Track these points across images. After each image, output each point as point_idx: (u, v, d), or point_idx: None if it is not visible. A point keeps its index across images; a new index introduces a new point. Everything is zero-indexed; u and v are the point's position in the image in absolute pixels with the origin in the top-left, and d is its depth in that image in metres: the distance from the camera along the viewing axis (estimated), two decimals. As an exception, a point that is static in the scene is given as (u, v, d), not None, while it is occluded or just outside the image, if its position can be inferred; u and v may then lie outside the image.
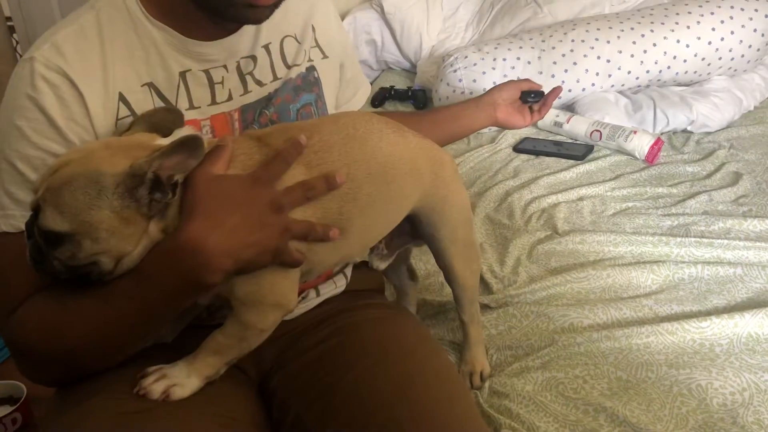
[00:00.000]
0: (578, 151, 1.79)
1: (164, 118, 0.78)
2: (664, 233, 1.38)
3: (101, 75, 0.80)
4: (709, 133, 1.87)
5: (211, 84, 0.87)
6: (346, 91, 1.06)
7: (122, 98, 0.82)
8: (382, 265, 0.97)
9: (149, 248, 0.72)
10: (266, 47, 0.92)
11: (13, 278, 0.79)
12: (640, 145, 1.74)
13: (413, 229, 0.96)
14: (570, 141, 1.85)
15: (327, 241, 0.76)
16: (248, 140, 0.78)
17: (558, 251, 1.35)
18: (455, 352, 1.11)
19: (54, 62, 0.78)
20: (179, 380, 0.75)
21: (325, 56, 0.99)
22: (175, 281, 0.71)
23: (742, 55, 1.97)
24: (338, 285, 1.01)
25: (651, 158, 1.73)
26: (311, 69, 0.97)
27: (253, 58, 0.91)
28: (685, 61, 1.95)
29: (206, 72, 0.87)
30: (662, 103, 1.90)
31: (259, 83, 0.91)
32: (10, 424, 1.57)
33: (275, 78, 0.93)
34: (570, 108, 1.98)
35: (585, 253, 1.33)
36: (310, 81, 0.96)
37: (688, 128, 1.89)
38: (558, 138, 1.89)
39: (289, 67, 0.94)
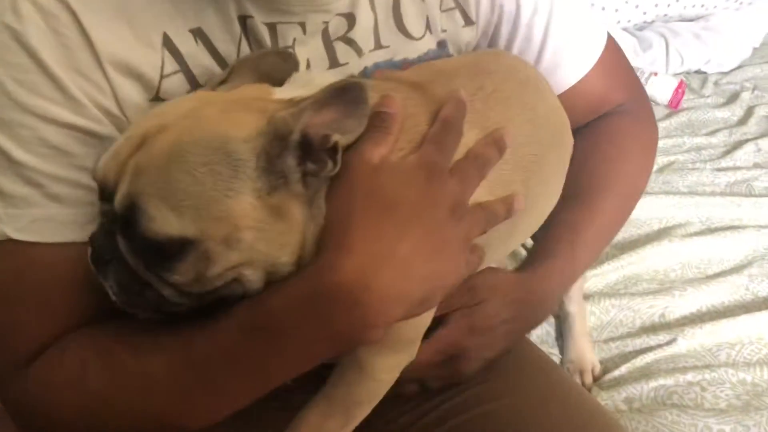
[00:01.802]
0: (591, 98, 1.57)
1: (276, 66, 0.51)
2: (724, 192, 1.19)
3: (125, 14, 0.50)
4: (724, 74, 1.70)
5: (274, 46, 0.56)
6: (560, 54, 0.70)
7: (168, 44, 0.51)
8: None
9: (298, 257, 0.44)
10: (372, 3, 0.60)
11: (14, 314, 0.50)
12: (662, 88, 1.54)
13: None
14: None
15: (510, 216, 0.52)
16: (407, 91, 0.50)
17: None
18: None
19: None
20: None
21: (469, 23, 0.67)
22: (310, 339, 0.43)
23: (753, -14, 1.79)
24: None
25: (675, 103, 1.53)
26: (442, 44, 0.65)
27: (349, 17, 0.59)
28: (693, -8, 1.76)
29: (271, 27, 0.55)
30: (675, 40, 1.70)
31: (359, 52, 0.60)
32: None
33: (378, 46, 0.61)
34: (572, 48, 1.75)
35: (646, 220, 1.12)
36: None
37: (702, 68, 1.70)
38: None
39: (408, 37, 0.63)
